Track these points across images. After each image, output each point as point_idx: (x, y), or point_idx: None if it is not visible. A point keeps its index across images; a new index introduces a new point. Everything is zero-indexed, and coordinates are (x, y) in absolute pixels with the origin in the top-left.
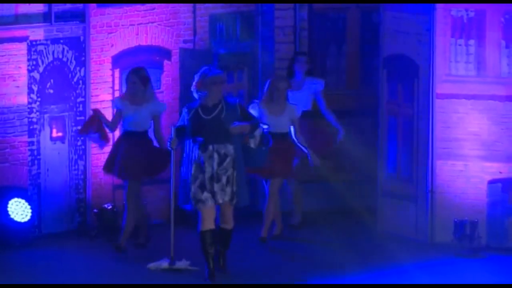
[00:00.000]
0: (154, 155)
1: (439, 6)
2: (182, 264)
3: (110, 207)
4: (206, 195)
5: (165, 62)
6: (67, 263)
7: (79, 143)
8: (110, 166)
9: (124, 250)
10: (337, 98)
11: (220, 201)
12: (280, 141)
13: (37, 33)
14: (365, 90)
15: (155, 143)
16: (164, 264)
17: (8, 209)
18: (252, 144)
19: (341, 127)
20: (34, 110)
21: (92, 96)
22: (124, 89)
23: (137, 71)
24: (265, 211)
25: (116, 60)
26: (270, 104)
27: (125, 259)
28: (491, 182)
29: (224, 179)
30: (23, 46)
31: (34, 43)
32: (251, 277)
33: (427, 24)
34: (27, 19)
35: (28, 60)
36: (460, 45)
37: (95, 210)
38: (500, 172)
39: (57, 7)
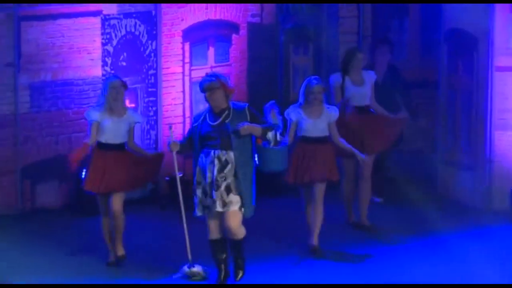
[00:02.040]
0: (140, 163)
1: None
2: (199, 268)
3: (181, 175)
4: (209, 201)
5: (233, 35)
6: (137, 229)
7: (151, 113)
8: (92, 182)
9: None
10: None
11: (220, 209)
12: (320, 145)
13: (111, 7)
14: (426, 63)
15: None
16: (184, 268)
17: (83, 176)
18: (271, 143)
19: (403, 112)
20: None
21: (163, 68)
22: (103, 100)
23: (121, 81)
24: (312, 219)
25: (186, 34)
26: (307, 108)
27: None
28: None
29: (223, 186)
30: (97, 20)
31: (107, 17)
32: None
33: None
34: None
35: (102, 33)
36: None
37: (166, 178)
38: None
39: None
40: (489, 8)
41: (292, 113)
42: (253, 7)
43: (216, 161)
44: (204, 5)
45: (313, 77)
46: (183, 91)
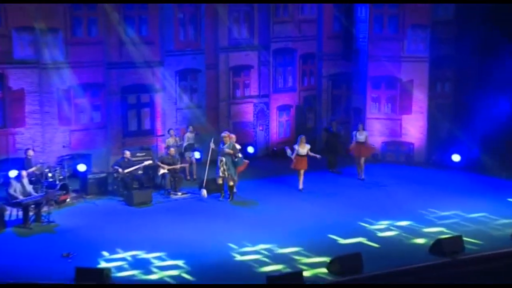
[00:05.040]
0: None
1: (368, 90)
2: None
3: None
4: (220, 172)
5: (291, 109)
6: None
7: (264, 129)
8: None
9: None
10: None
11: (222, 174)
12: (303, 157)
13: (255, 101)
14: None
15: None
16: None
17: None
18: (236, 159)
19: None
20: (254, 121)
21: (270, 117)
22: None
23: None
24: (298, 179)
25: (278, 108)
26: (299, 144)
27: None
28: (382, 143)
29: (223, 168)
30: (252, 105)
31: (255, 103)
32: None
33: (364, 96)
34: (251, 97)
35: (253, 107)
36: (374, 104)
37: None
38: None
39: (261, 94)
40: (364, 99)
41: (296, 147)
42: (296, 101)
43: (220, 159)
44: (285, 99)
45: (301, 135)
46: (277, 125)
